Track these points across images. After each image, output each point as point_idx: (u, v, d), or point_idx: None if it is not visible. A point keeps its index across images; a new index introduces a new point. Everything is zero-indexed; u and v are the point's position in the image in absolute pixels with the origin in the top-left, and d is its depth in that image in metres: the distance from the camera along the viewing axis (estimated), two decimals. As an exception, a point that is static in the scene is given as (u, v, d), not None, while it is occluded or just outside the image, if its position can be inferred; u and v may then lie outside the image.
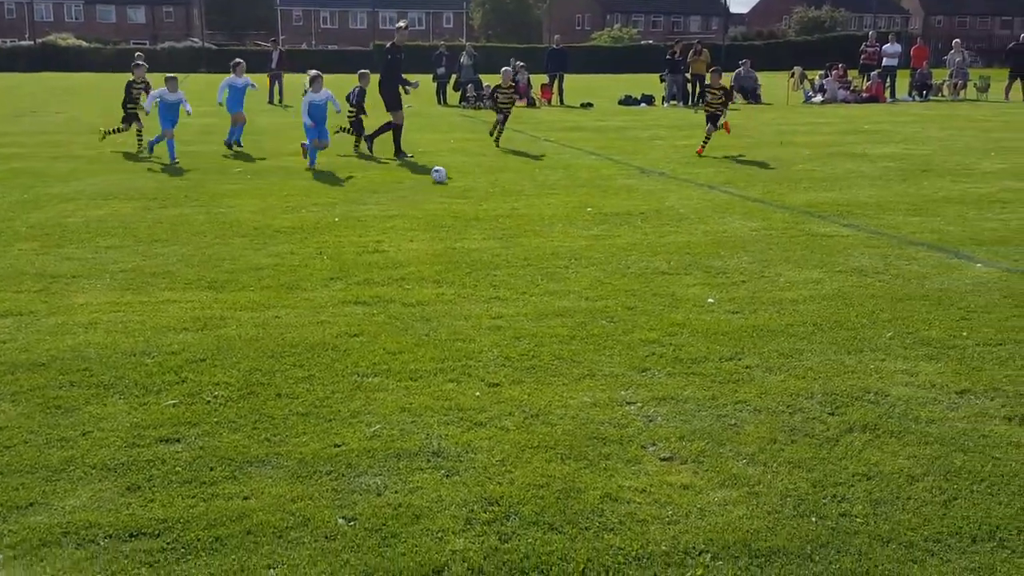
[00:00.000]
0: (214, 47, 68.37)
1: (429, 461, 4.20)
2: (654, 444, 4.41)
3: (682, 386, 5.15)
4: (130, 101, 16.36)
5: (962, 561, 3.37)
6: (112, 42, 70.09)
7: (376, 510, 3.75)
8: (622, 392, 5.07)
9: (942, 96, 32.81)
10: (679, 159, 15.33)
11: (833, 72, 31.70)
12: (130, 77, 16.49)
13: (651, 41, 73.79)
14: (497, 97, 17.24)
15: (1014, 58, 31.52)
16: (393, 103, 15.63)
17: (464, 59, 30.21)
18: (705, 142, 15.88)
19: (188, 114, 15.28)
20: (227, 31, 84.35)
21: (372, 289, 7.12)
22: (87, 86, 41.37)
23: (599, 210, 10.61)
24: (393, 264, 7.96)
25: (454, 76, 30.92)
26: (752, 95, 31.16)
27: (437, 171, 12.93)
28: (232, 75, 16.76)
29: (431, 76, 31.76)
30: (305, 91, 14.50)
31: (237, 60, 17.32)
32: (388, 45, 16.12)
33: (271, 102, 29.71)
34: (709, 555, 3.44)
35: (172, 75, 15.42)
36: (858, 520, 3.68)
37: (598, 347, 5.80)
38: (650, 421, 4.69)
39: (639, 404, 4.90)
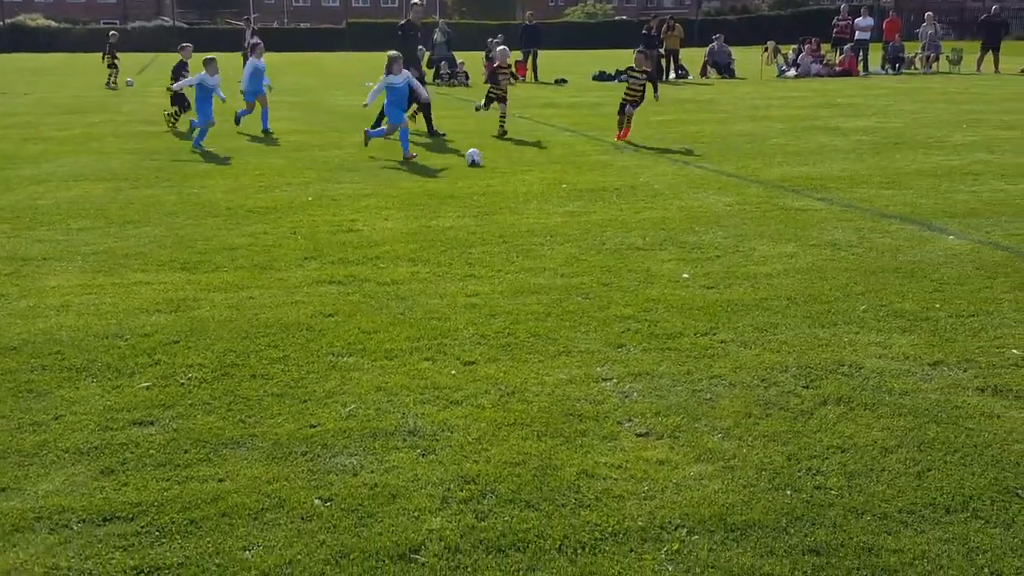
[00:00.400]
0: (185, 26, 67.60)
1: (405, 440, 4.19)
2: (630, 420, 4.42)
3: (657, 361, 5.16)
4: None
5: (936, 532, 3.40)
6: (82, 22, 69.07)
7: (352, 490, 3.73)
8: (598, 368, 5.08)
9: (914, 69, 32.94)
10: (653, 135, 15.31)
11: (806, 46, 31.72)
12: (179, 58, 16.27)
13: (625, 17, 73.58)
14: (499, 79, 15.97)
15: (986, 30, 31.70)
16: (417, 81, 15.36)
17: (437, 36, 29.99)
18: (627, 126, 14.55)
19: (222, 101, 14.44)
20: (198, 10, 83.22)
21: (347, 268, 7.09)
22: (57, 67, 40.80)
23: (574, 186, 10.59)
24: (368, 243, 7.91)
25: (427, 53, 30.68)
26: (726, 70, 31.18)
27: (471, 153, 12.45)
28: (252, 58, 16.15)
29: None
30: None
31: (256, 41, 16.65)
32: (403, 23, 15.87)
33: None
34: (685, 530, 3.45)
35: (211, 56, 14.62)
36: (833, 492, 3.70)
37: (574, 324, 5.80)
38: (626, 397, 4.69)
39: (615, 380, 4.91)
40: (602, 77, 30.43)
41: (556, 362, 5.17)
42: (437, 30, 30.58)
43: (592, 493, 3.73)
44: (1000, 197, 9.50)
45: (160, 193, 10.25)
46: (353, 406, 4.56)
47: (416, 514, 3.56)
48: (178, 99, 15.95)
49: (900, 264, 7.00)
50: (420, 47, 30.49)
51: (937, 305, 6.00)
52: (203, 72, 13.92)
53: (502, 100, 15.55)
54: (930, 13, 33.03)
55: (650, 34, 29.51)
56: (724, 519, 3.52)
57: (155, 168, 12.03)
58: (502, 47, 17.16)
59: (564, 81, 29.66)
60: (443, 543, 3.36)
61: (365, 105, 13.56)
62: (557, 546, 3.35)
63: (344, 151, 13.67)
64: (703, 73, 31.51)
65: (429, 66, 30.08)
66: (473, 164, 12.24)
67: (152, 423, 4.37)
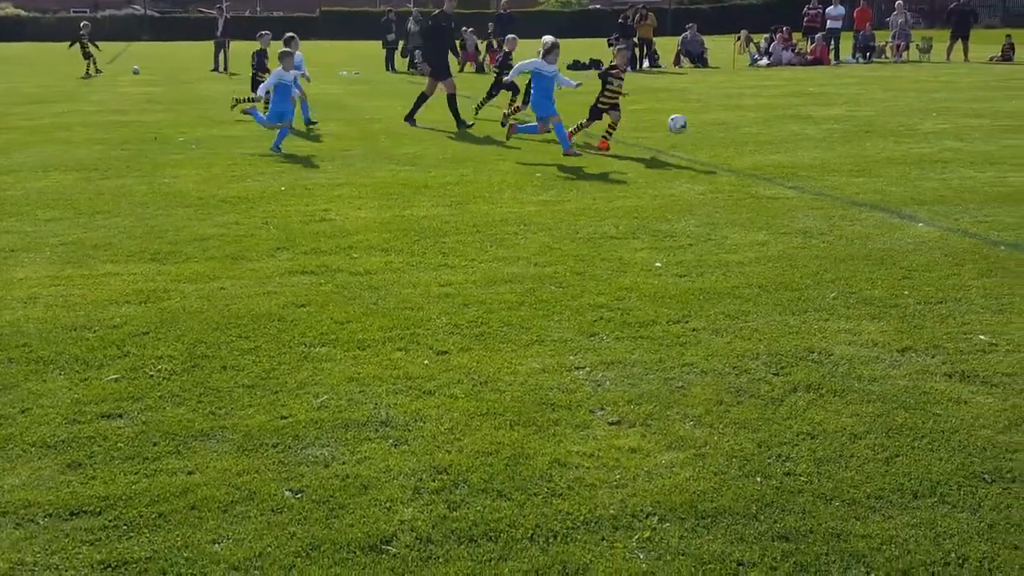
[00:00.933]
0: (157, 14, 66.87)
1: (377, 431, 4.18)
2: (602, 408, 4.43)
3: (630, 350, 5.17)
4: (262, 70, 16.26)
5: (904, 517, 3.43)
6: (51, 11, 68.17)
7: (323, 482, 3.72)
8: (571, 357, 5.08)
9: (885, 58, 33.14)
10: (627, 123, 15.30)
11: (778, 35, 31.84)
12: (257, 47, 16.16)
13: (599, 6, 73.54)
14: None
15: (955, 19, 31.93)
16: (442, 72, 15.14)
17: (411, 25, 29.83)
18: (609, 133, 12.59)
19: (308, 80, 14.13)
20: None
21: (319, 258, 7.05)
22: (26, 56, 40.27)
23: (548, 176, 10.59)
24: (341, 233, 7.88)
25: (401, 42, 30.56)
26: (699, 59, 31.25)
27: (675, 119, 12.60)
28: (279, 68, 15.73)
29: (380, 42, 31.38)
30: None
31: (290, 35, 15.55)
32: (436, 13, 15.68)
33: (215, 70, 29.15)
34: (656, 517, 3.47)
35: (287, 47, 13.85)
36: (802, 479, 3.73)
37: (547, 313, 5.80)
38: (598, 385, 4.70)
39: (587, 369, 4.91)
40: (577, 66, 30.39)
41: (529, 351, 5.17)
42: (411, 19, 30.41)
43: (564, 482, 3.74)
44: (969, 185, 9.58)
45: (130, 183, 10.15)
46: (325, 397, 4.54)
47: (388, 505, 3.55)
48: (256, 86, 15.72)
49: (870, 251, 7.05)
50: (392, 35, 30.40)
51: (906, 292, 6.05)
52: (279, 68, 12.85)
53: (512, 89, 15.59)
54: (900, 2, 33.19)
55: (626, 23, 29.55)
56: (695, 506, 3.53)
57: (125, 158, 11.91)
58: (511, 35, 17.09)
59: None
60: (415, 534, 3.36)
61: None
62: (529, 535, 3.35)
63: (317, 142, 13.59)
64: (676, 62, 31.56)
65: (403, 55, 29.97)
66: (679, 128, 12.46)
67: (121, 416, 4.34)
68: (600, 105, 12.49)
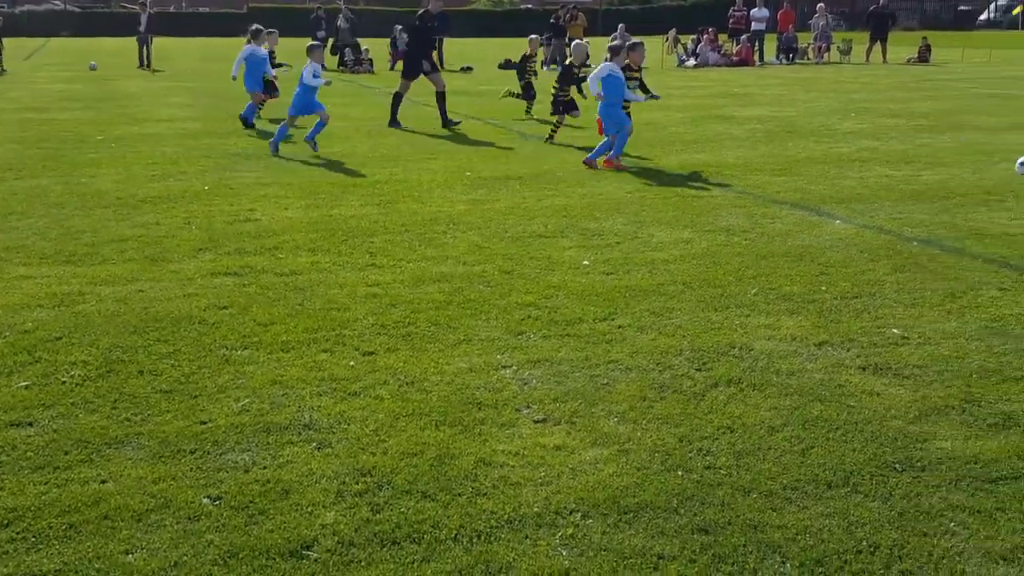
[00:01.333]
0: (78, 10, 65.13)
1: (300, 434, 4.13)
2: (528, 407, 4.44)
3: (557, 348, 5.19)
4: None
5: (818, 507, 3.51)
6: (-37, 5, 65.99)
7: (243, 487, 3.66)
8: (498, 356, 5.09)
9: (807, 59, 33.82)
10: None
11: (705, 36, 32.29)
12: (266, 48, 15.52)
13: (531, 6, 73.72)
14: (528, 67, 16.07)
15: (874, 21, 32.73)
16: (415, 71, 14.84)
17: (341, 22, 29.58)
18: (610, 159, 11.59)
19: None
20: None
21: (243, 259, 6.95)
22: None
23: (478, 174, 10.59)
24: (266, 233, 7.78)
25: (331, 40, 30.27)
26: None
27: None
28: (250, 45, 14.78)
29: (310, 39, 30.97)
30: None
31: (257, 27, 15.22)
32: (421, 12, 15.40)
33: (141, 66, 28.55)
34: (579, 514, 3.49)
35: (315, 42, 13.49)
36: (722, 472, 3.79)
37: (475, 312, 5.80)
38: (525, 384, 4.72)
39: (514, 367, 4.93)
40: (508, 65, 30.40)
41: (456, 351, 5.16)
42: (340, 16, 30.14)
43: (489, 481, 3.74)
44: (884, 183, 9.83)
45: (46, 183, 9.88)
46: (247, 401, 4.47)
47: (309, 509, 3.51)
48: (268, 86, 15.31)
49: (789, 248, 7.19)
50: (322, 32, 30.07)
51: (823, 287, 6.19)
52: (311, 63, 12.42)
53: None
54: (822, 4, 33.93)
55: (558, 23, 29.70)
56: (618, 502, 3.56)
57: (41, 157, 11.59)
58: (532, 36, 17.17)
59: (470, 69, 29.61)
60: (336, 538, 3.33)
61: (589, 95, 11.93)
62: (453, 535, 3.35)
63: (245, 139, 13.40)
64: (606, 62, 31.73)
65: (333, 52, 29.68)
66: None
67: (31, 424, 4.21)
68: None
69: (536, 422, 4.28)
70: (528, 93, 16.10)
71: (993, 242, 7.25)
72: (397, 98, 14.94)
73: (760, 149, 12.31)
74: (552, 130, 13.26)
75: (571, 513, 3.50)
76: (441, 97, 14.78)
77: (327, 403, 4.46)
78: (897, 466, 3.80)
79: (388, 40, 30.64)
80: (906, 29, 55.97)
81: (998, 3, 72.89)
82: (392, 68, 29.30)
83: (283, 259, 6.96)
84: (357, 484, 3.70)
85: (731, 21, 33.29)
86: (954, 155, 11.54)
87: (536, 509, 3.53)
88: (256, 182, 10.05)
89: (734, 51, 32.31)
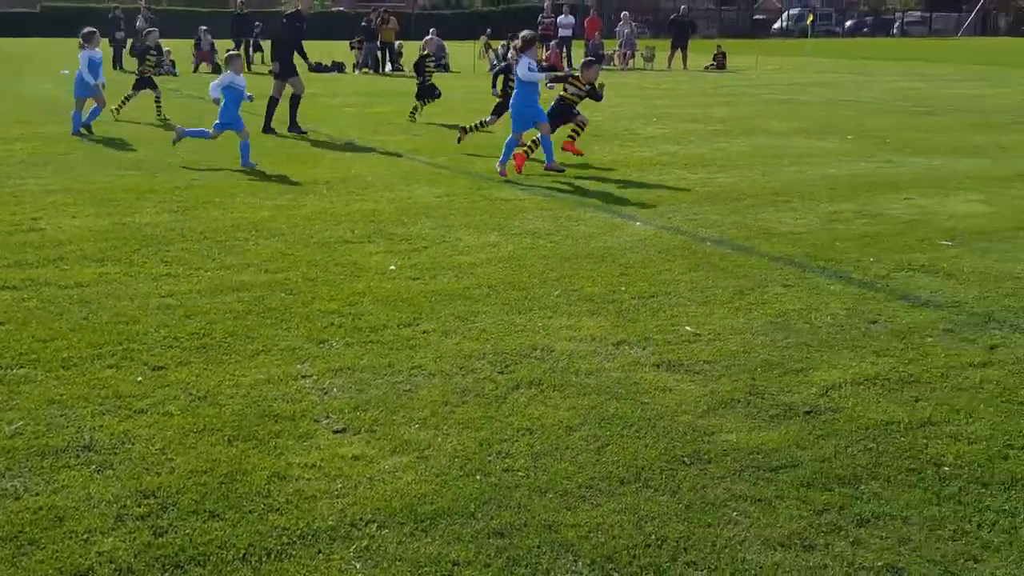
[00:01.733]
0: None
1: (79, 456, 3.88)
2: (327, 417, 4.35)
3: (359, 355, 5.11)
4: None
5: (611, 503, 3.59)
6: None
7: (12, 516, 3.40)
8: (298, 366, 4.96)
9: (613, 66, 34.95)
10: (368, 126, 15.27)
11: (514, 42, 32.73)
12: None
13: (343, 8, 72.85)
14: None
15: (675, 29, 34.20)
16: (291, 72, 14.36)
17: (140, 23, 28.25)
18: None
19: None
20: None
21: (24, 271, 6.50)
22: None
23: (284, 179, 10.34)
24: (51, 243, 7.31)
25: (130, 41, 28.86)
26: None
27: None
28: (86, 49, 13.59)
29: (107, 40, 29.43)
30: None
31: (90, 30, 13.93)
32: (291, 12, 14.63)
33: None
34: (375, 524, 3.43)
35: (234, 51, 12.81)
36: (520, 474, 3.82)
37: (275, 321, 5.64)
38: (325, 393, 4.62)
39: (314, 377, 4.82)
40: (319, 68, 29.95)
41: (254, 362, 5.00)
42: (140, 16, 28.82)
43: (283, 496, 3.63)
44: (683, 185, 10.24)
45: None
46: (20, 423, 4.17)
47: (85, 536, 3.30)
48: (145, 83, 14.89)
49: (592, 250, 7.37)
50: (121, 33, 28.64)
51: (623, 288, 6.37)
52: (227, 72, 11.45)
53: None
54: (626, 12, 35.17)
55: (370, 27, 29.44)
56: (415, 510, 3.53)
57: None
58: (431, 38, 16.66)
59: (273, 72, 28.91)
60: (114, 565, 3.14)
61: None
62: (241, 555, 3.22)
63: (32, 144, 12.57)
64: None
65: (132, 54, 28.29)
66: None
67: None
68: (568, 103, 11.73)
69: (335, 432, 4.19)
70: (431, 92, 16.06)
71: (779, 241, 7.67)
72: (272, 102, 14.45)
73: (565, 153, 12.57)
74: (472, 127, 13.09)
75: (367, 524, 3.44)
76: (296, 101, 14.48)
77: (110, 422, 4.21)
78: (686, 460, 3.94)
79: (192, 41, 29.58)
80: (706, 37, 58.74)
81: (790, 12, 77.68)
82: (196, 70, 28.29)
83: (68, 270, 6.56)
84: (139, 507, 3.50)
85: (540, 27, 33.94)
86: (747, 158, 12.16)
87: (331, 522, 3.45)
88: (42, 189, 9.46)
89: (543, 57, 32.95)
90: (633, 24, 36.77)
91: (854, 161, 11.89)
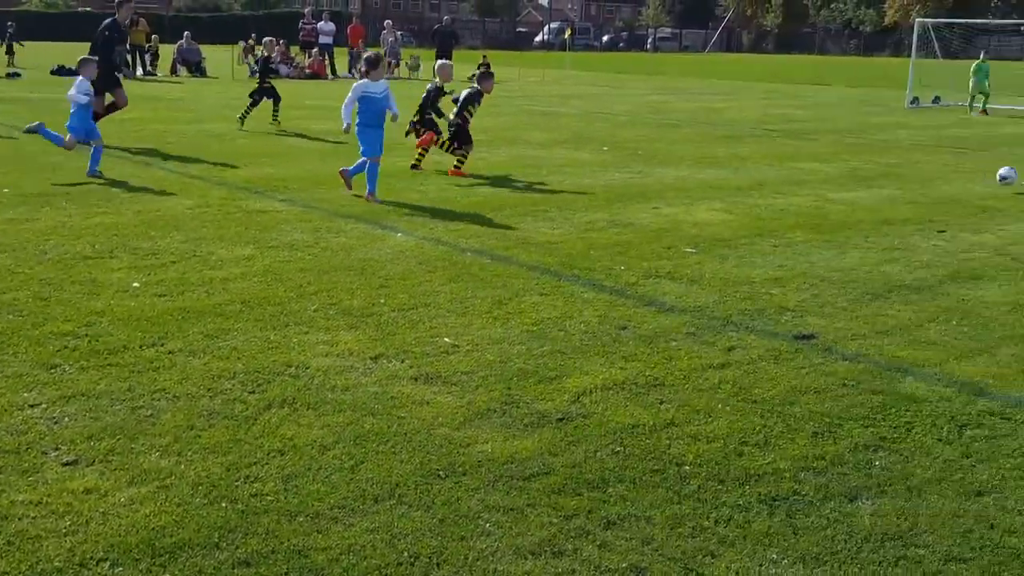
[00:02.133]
0: None
1: None
2: (57, 448, 4.01)
3: (96, 380, 4.76)
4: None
5: (364, 523, 3.50)
6: None
7: None
8: (25, 394, 4.56)
9: (380, 75, 34.84)
10: (114, 133, 14.38)
11: (276, 48, 32.07)
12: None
13: (90, 9, 68.63)
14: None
15: (439, 39, 34.56)
16: (111, 84, 13.17)
17: None
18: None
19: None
20: None
21: None
22: None
23: (19, 191, 9.56)
24: None
25: None
26: (197, 68, 30.44)
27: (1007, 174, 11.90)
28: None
29: None
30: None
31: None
32: (108, 21, 13.25)
33: None
34: (108, 563, 3.18)
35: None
36: (269, 498, 3.66)
37: (0, 346, 5.16)
38: (55, 423, 4.26)
39: (43, 405, 4.44)
40: (61, 72, 28.02)
41: (-28, 392, 4.54)
42: None
43: (3, 538, 3.30)
44: (445, 195, 10.29)
45: None
46: None
47: None
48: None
49: (352, 262, 7.25)
50: None
51: (382, 300, 6.30)
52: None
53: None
54: (389, 21, 35.19)
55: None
56: (153, 544, 3.30)
57: None
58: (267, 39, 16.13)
59: (18, 75, 26.92)
60: None
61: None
62: (-52, 610, 2.90)
63: None
64: (173, 71, 30.46)
65: None
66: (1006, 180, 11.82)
67: None
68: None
69: (65, 464, 3.87)
70: (271, 95, 16.01)
71: (537, 250, 7.84)
72: (95, 117, 13.19)
73: (329, 163, 12.36)
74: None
75: (98, 563, 3.18)
76: (110, 110, 13.66)
77: None
78: (441, 473, 3.91)
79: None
80: (471, 47, 59.68)
81: (551, 26, 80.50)
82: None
83: None
84: None
85: (302, 34, 33.42)
86: (508, 168, 12.41)
87: (57, 563, 3.17)
88: None
89: (306, 64, 32.45)
90: (398, 33, 36.86)
91: (608, 171, 12.40)
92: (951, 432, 4.45)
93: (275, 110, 16.36)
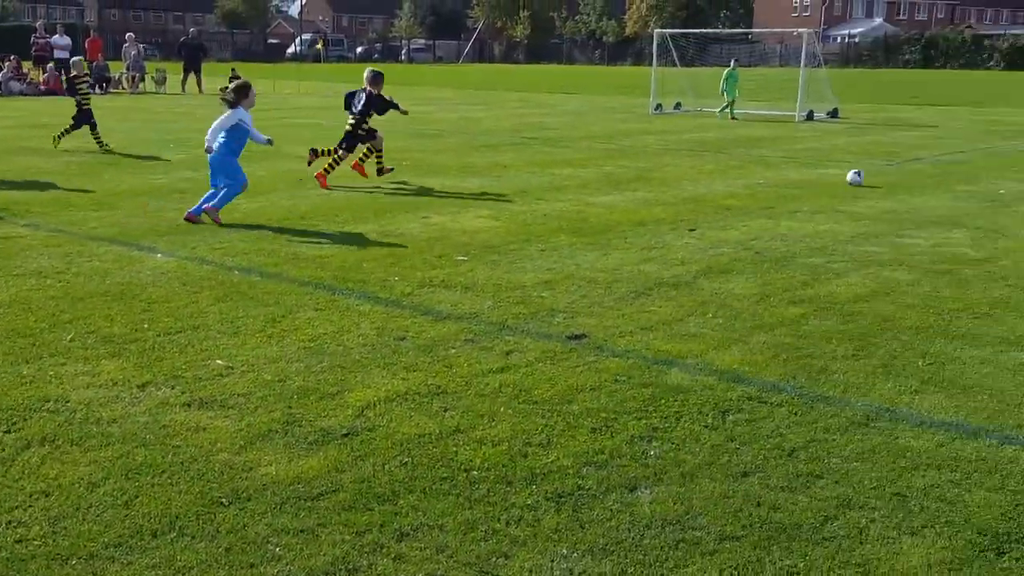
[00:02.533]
0: None
1: None
2: None
3: None
4: None
5: (144, 559, 3.31)
6: None
7: None
8: None
9: (122, 89, 33.12)
10: None
11: (7, 63, 29.95)
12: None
13: None
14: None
15: (186, 52, 33.29)
16: None
17: None
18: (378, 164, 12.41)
19: None
20: None
21: None
22: None
23: None
24: None
25: None
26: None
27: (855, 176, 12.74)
28: None
29: None
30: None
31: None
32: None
33: None
34: None
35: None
36: (35, 543, 3.38)
37: None
38: None
39: None
40: None
41: None
42: None
43: None
44: (239, 215, 9.89)
45: None
46: None
47: None
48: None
49: (109, 287, 6.83)
50: None
51: (146, 325, 5.97)
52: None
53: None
54: (131, 34, 33.50)
55: None
56: (-100, 611, 2.97)
57: None
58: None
59: None
60: None
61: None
62: None
63: None
64: None
65: None
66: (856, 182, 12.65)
67: None
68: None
69: None
70: (87, 119, 14.91)
71: (308, 265, 7.69)
72: None
73: (75, 182, 11.61)
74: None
75: None
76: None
77: None
78: (224, 500, 3.76)
79: None
80: (221, 60, 57.75)
81: (303, 38, 79.27)
82: None
83: None
84: None
85: (35, 49, 31.23)
86: (272, 183, 12.10)
87: None
88: None
89: (41, 80, 30.37)
90: (140, 46, 35.13)
91: (374, 182, 12.35)
92: (715, 418, 4.77)
93: (94, 135, 15.10)
